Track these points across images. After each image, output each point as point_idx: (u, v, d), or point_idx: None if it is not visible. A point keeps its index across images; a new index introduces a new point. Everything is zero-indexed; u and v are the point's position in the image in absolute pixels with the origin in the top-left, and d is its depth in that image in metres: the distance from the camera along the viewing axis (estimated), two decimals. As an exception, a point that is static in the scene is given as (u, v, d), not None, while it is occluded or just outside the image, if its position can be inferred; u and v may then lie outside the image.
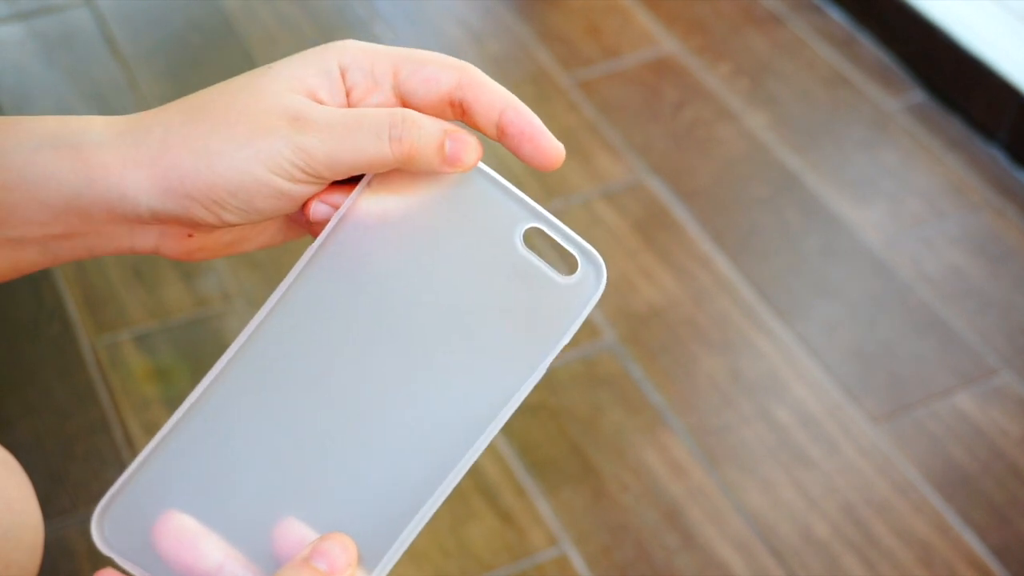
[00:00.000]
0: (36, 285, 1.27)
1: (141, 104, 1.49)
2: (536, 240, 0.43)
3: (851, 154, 1.44)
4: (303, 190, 0.40)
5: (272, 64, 0.42)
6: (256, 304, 1.25)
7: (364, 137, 0.40)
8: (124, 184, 0.39)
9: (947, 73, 1.51)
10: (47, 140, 0.40)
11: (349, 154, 0.40)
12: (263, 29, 1.62)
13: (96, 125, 0.40)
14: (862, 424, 1.15)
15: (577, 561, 1.04)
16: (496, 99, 0.41)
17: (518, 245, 0.41)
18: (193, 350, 1.21)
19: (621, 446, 1.13)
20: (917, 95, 1.51)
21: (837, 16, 1.63)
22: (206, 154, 0.39)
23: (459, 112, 0.42)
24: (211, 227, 0.41)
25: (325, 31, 1.62)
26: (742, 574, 1.04)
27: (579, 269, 0.40)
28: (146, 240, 0.42)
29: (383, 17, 1.63)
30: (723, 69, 1.56)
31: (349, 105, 0.42)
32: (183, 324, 1.23)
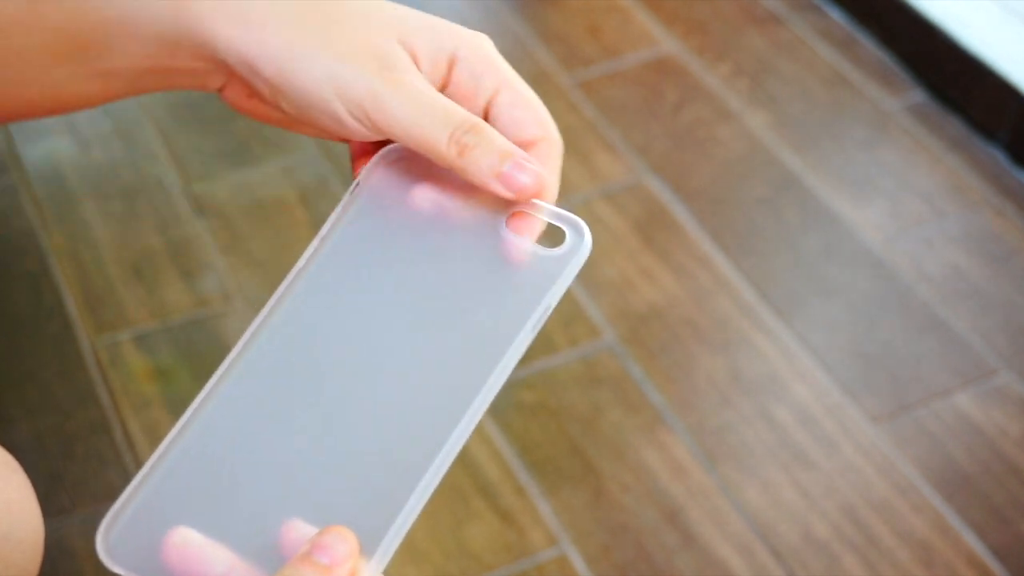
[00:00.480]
0: (36, 284, 1.27)
1: (139, 104, 1.49)
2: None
3: (851, 154, 1.44)
4: (357, 127, 0.41)
5: (401, 6, 0.44)
6: (256, 304, 1.25)
7: (433, 125, 0.41)
8: (211, 34, 0.41)
9: (947, 73, 1.50)
10: None
11: (413, 132, 0.41)
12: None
13: None
14: (862, 424, 1.15)
15: (577, 561, 1.04)
16: (549, 190, 0.43)
17: (504, 228, 0.42)
18: (193, 350, 1.21)
19: (621, 446, 1.13)
20: (917, 95, 1.51)
21: (837, 16, 1.63)
22: (289, 51, 0.40)
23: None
24: (269, 103, 0.43)
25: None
26: (742, 574, 1.04)
27: (566, 240, 0.42)
28: (216, 81, 0.44)
29: (383, 17, 1.63)
30: (723, 69, 1.56)
31: (440, 90, 0.43)
32: (183, 324, 1.23)
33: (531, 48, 1.57)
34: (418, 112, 0.41)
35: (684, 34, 1.61)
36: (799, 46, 1.59)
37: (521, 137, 0.43)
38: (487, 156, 0.41)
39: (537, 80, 1.53)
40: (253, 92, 0.43)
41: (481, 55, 0.44)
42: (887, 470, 1.12)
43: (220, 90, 0.44)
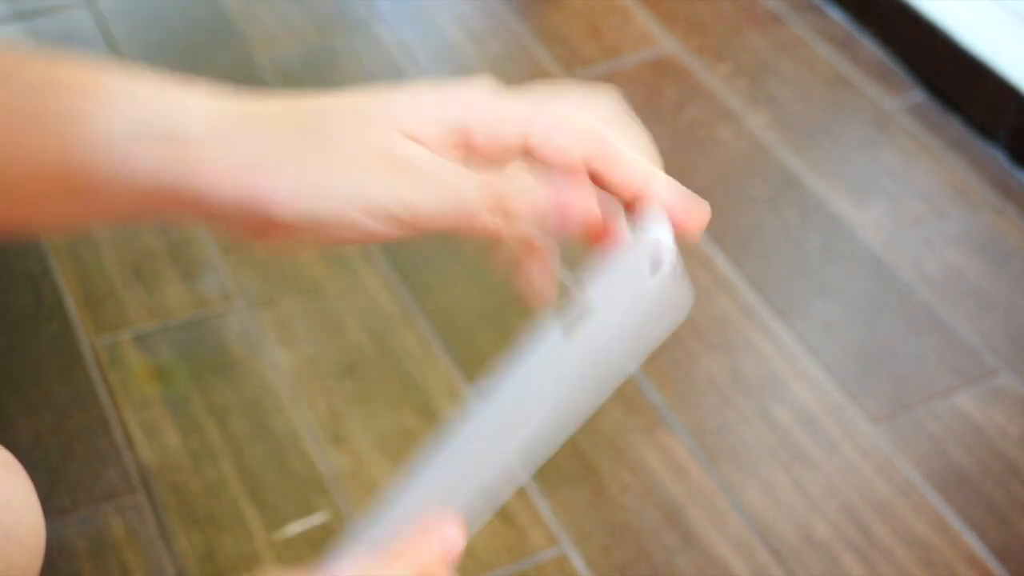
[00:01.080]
0: (36, 284, 1.27)
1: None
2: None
3: (851, 154, 1.44)
4: (396, 230, 0.39)
5: (385, 92, 0.41)
6: (255, 304, 1.25)
7: (468, 203, 0.39)
8: (210, 189, 0.38)
9: (947, 73, 1.50)
10: (143, 128, 0.39)
11: (453, 220, 0.39)
12: (263, 29, 1.62)
13: (196, 111, 0.40)
14: (862, 424, 1.15)
15: (577, 561, 1.04)
16: (631, 177, 0.41)
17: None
18: (193, 350, 1.21)
19: (621, 446, 1.13)
20: (917, 95, 1.51)
21: (837, 16, 1.63)
22: (301, 189, 0.38)
23: (595, 180, 0.41)
24: (289, 237, 0.41)
25: (325, 31, 1.62)
26: (742, 574, 1.04)
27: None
28: (219, 225, 0.41)
29: (383, 17, 1.63)
30: (723, 69, 1.56)
31: (464, 162, 0.41)
32: (183, 324, 1.23)
33: (531, 48, 1.57)
34: (449, 200, 0.39)
35: (684, 34, 1.61)
36: (799, 46, 1.59)
37: (574, 160, 0.41)
38: (518, 225, 0.40)
39: (537, 80, 1.53)
40: (266, 230, 0.40)
41: (483, 113, 0.40)
42: (887, 470, 1.12)
43: (225, 233, 0.42)
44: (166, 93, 0.41)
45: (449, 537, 0.39)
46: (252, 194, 0.38)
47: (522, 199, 0.40)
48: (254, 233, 0.41)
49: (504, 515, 1.07)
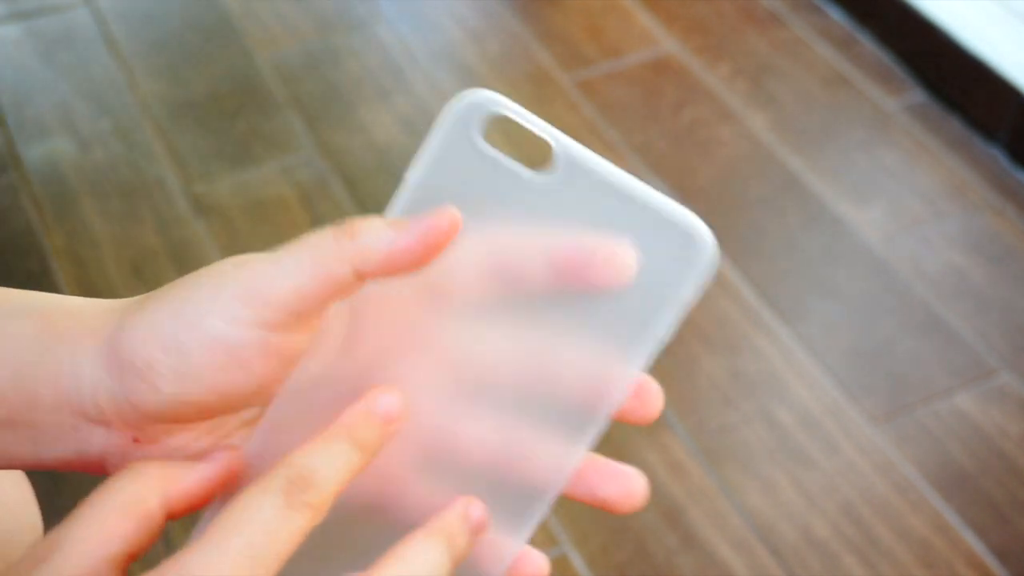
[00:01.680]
0: (36, 284, 1.27)
1: (139, 104, 1.49)
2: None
3: (851, 154, 1.44)
4: (252, 337, 0.35)
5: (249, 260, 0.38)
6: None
7: (313, 246, 0.35)
8: (76, 356, 0.36)
9: (947, 73, 1.50)
10: (21, 307, 0.38)
11: (306, 273, 0.35)
12: (262, 29, 1.61)
13: (79, 300, 0.38)
14: (862, 424, 1.15)
15: (577, 561, 1.04)
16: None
17: None
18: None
19: (621, 446, 1.13)
20: (917, 95, 1.51)
21: (837, 16, 1.63)
22: (158, 317, 0.35)
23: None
24: (150, 414, 0.36)
25: (325, 31, 1.62)
26: (742, 574, 1.04)
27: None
28: (91, 441, 0.37)
29: (383, 16, 1.63)
30: (723, 69, 1.55)
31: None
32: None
33: (531, 48, 1.57)
34: (291, 254, 0.35)
35: (684, 34, 1.61)
36: (799, 46, 1.59)
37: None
38: (375, 231, 0.35)
39: (537, 80, 1.53)
40: (130, 417, 0.37)
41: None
42: (887, 470, 1.12)
43: (101, 456, 0.38)
44: (62, 298, 0.39)
45: (386, 405, 0.35)
46: (114, 345, 0.36)
47: (367, 224, 0.35)
48: (124, 437, 0.37)
49: (504, 515, 1.07)
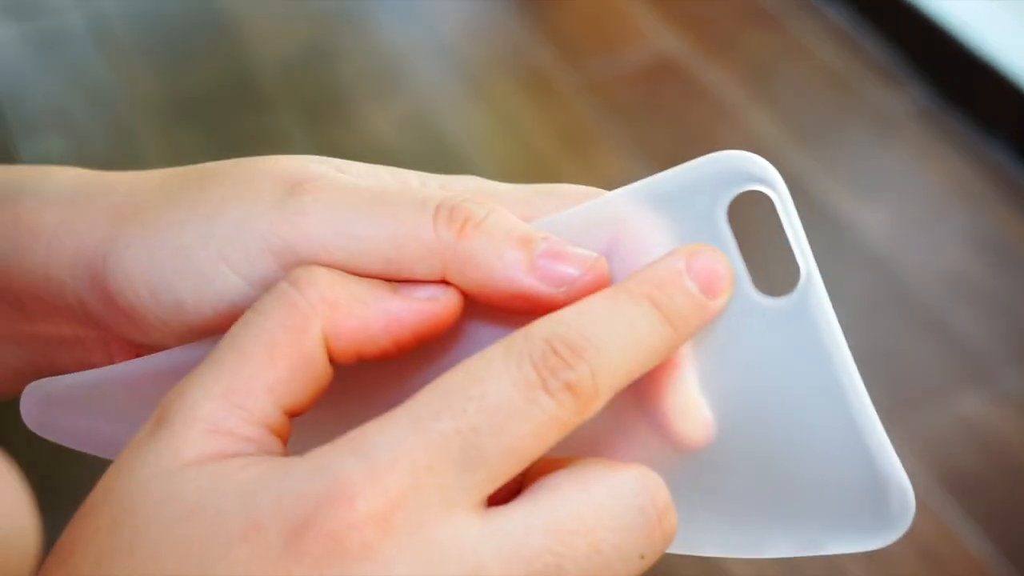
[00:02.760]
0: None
1: (137, 104, 1.49)
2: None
3: (854, 154, 1.44)
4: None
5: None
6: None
7: (404, 212, 0.26)
8: (51, 256, 0.28)
9: (951, 72, 1.50)
10: None
11: (381, 237, 0.26)
12: (261, 28, 1.61)
13: (59, 177, 0.31)
14: (864, 425, 1.15)
15: (578, 563, 1.04)
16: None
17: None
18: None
19: (622, 447, 1.12)
20: (921, 94, 1.51)
21: (840, 15, 1.63)
22: (156, 254, 0.27)
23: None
24: (140, 343, 0.29)
25: (324, 31, 1.61)
26: (742, 574, 1.03)
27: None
28: (94, 356, 0.31)
29: (383, 16, 1.63)
30: (725, 69, 1.55)
31: None
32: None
33: (531, 48, 1.57)
34: (378, 210, 0.26)
35: (685, 34, 1.60)
36: (802, 45, 1.59)
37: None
38: (500, 231, 0.26)
39: (537, 80, 1.52)
40: (107, 311, 0.29)
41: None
42: (890, 472, 1.11)
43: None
44: (38, 168, 0.31)
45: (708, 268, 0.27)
46: (96, 251, 0.28)
47: (495, 213, 0.27)
48: (96, 323, 0.29)
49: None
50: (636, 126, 1.46)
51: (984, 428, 1.15)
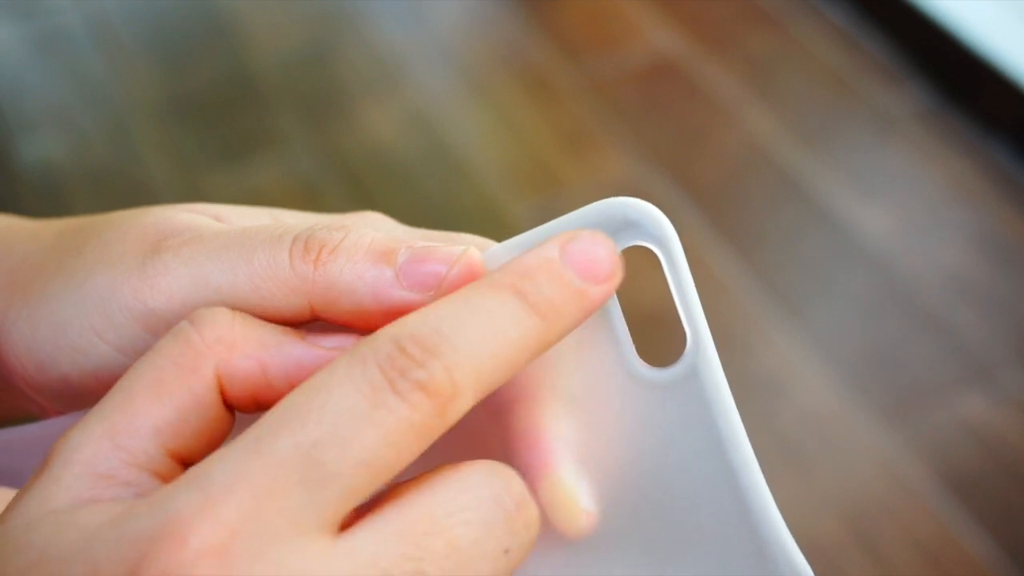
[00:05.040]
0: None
1: (136, 104, 1.49)
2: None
3: (855, 154, 1.44)
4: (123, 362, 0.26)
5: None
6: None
7: (264, 245, 0.25)
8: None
9: (952, 72, 1.50)
10: None
11: (239, 294, 0.25)
12: (260, 28, 1.61)
13: None
14: (866, 425, 1.15)
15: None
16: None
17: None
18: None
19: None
20: (921, 94, 1.51)
21: (841, 15, 1.62)
22: (38, 331, 0.27)
23: None
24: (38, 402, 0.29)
25: (322, 32, 1.61)
26: None
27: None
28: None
29: (383, 16, 1.63)
30: (725, 69, 1.55)
31: None
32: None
33: (531, 48, 1.57)
34: (230, 254, 0.25)
35: (686, 34, 1.60)
36: (802, 45, 1.59)
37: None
38: (358, 251, 0.25)
39: (537, 80, 1.52)
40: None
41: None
42: (892, 471, 1.11)
43: None
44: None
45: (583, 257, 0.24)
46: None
47: (352, 235, 0.25)
48: None
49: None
50: (636, 126, 1.46)
51: (984, 428, 1.15)
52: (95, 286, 0.26)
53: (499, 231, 1.52)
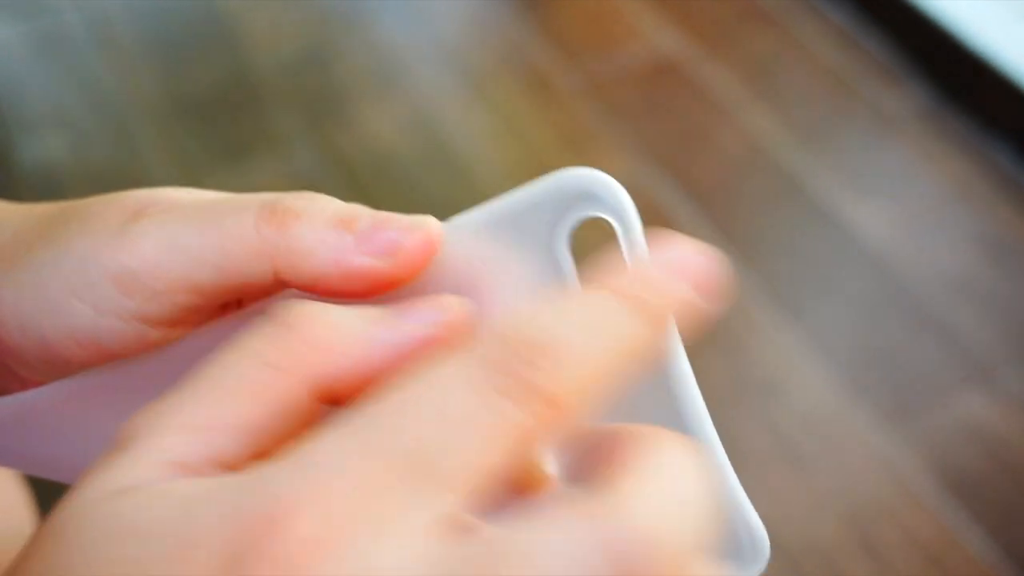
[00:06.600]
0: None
1: (137, 104, 1.49)
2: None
3: (855, 154, 1.44)
4: (127, 331, 0.27)
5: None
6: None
7: (228, 225, 0.26)
8: None
9: (952, 72, 1.50)
10: None
11: (209, 261, 0.26)
12: (261, 28, 1.61)
13: None
14: (865, 425, 1.15)
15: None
16: None
17: None
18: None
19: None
20: (921, 94, 1.51)
21: (840, 15, 1.62)
22: (21, 293, 0.28)
23: None
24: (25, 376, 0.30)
25: (323, 32, 1.61)
26: (744, 577, 1.03)
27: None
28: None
29: (383, 16, 1.63)
30: (725, 69, 1.55)
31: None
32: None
33: (531, 48, 1.57)
34: (194, 218, 0.26)
35: (685, 33, 1.60)
36: (802, 45, 1.59)
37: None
38: (321, 216, 0.26)
39: (537, 80, 1.52)
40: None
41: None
42: (891, 471, 1.11)
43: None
44: None
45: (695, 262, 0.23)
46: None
47: (317, 203, 0.26)
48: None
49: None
50: (636, 126, 1.46)
51: (984, 428, 1.15)
52: (75, 249, 0.27)
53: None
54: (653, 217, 1.34)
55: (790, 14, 1.63)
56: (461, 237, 0.26)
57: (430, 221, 0.25)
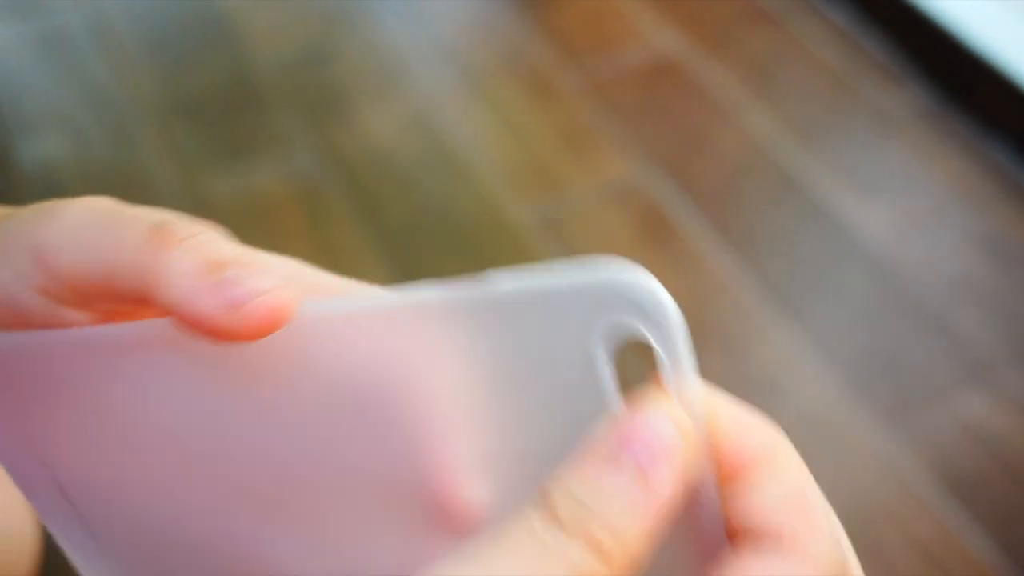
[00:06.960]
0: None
1: (137, 104, 1.49)
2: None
3: (855, 154, 1.44)
4: (38, 304, 0.28)
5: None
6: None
7: (121, 230, 0.27)
8: None
9: (952, 72, 1.50)
10: None
11: (103, 260, 0.27)
12: (261, 28, 1.61)
13: None
14: (865, 425, 1.15)
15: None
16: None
17: None
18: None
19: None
20: (922, 94, 1.51)
21: (841, 15, 1.62)
22: None
23: None
24: None
25: (323, 32, 1.61)
26: None
27: None
28: None
29: (383, 17, 1.63)
30: (726, 69, 1.55)
31: None
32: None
33: (531, 48, 1.57)
34: (107, 222, 0.27)
35: (685, 34, 1.60)
36: (802, 45, 1.59)
37: None
38: (199, 252, 0.26)
39: (537, 80, 1.52)
40: None
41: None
42: (892, 471, 1.11)
43: None
44: None
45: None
46: None
47: (203, 237, 0.27)
48: None
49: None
50: (636, 126, 1.46)
51: (984, 428, 1.15)
52: (10, 223, 0.28)
53: (499, 231, 1.52)
54: (653, 217, 1.34)
55: (790, 14, 1.63)
56: (327, 313, 0.25)
57: (281, 294, 0.25)
